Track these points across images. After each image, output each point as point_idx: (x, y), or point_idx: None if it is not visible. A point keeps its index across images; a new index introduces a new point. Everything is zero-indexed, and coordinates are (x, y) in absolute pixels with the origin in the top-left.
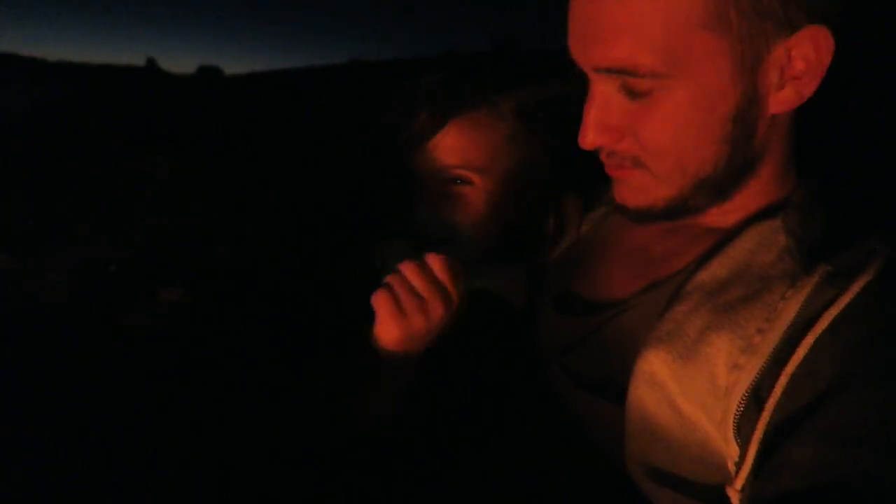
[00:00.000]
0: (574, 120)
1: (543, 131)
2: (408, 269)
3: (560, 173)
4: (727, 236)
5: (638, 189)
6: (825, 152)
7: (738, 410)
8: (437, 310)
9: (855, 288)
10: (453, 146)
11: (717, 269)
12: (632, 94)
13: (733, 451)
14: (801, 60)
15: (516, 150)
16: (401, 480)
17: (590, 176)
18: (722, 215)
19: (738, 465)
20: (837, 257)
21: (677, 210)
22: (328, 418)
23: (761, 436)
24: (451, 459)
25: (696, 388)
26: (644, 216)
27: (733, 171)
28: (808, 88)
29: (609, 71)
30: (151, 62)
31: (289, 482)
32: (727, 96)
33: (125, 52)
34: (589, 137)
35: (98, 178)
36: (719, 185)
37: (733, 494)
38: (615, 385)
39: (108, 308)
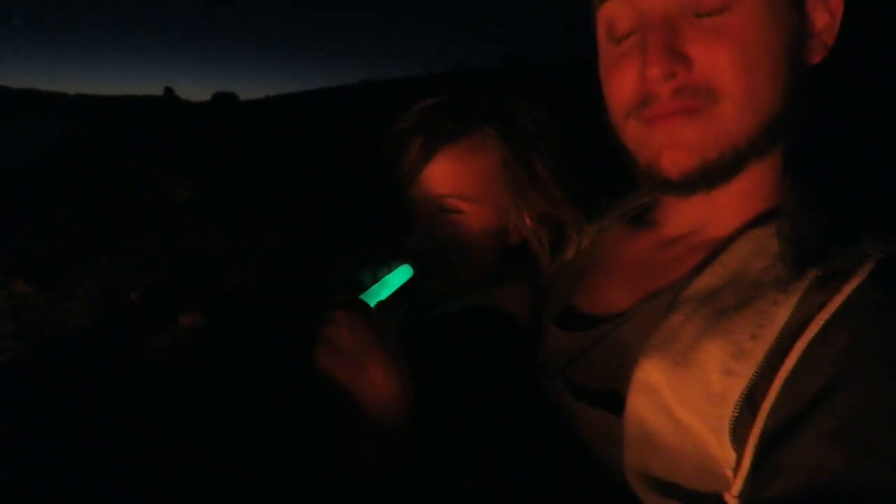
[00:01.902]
0: (570, 137)
1: (539, 153)
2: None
3: (557, 191)
4: (722, 244)
5: (705, 135)
6: (817, 159)
7: (733, 416)
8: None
9: (846, 291)
10: (443, 176)
11: (711, 277)
12: (705, 5)
13: (730, 456)
14: (819, 16)
15: (508, 177)
16: (404, 484)
17: (588, 191)
18: (718, 224)
19: (735, 470)
20: (829, 261)
21: (729, 168)
22: (331, 419)
23: (757, 440)
24: (454, 469)
25: (691, 395)
26: (691, 182)
27: (789, 114)
28: (830, 38)
29: None
30: (169, 91)
31: (291, 483)
32: (789, 22)
33: (143, 83)
34: (656, 66)
35: (118, 206)
36: (772, 135)
37: (731, 500)
38: (614, 396)
39: (129, 334)
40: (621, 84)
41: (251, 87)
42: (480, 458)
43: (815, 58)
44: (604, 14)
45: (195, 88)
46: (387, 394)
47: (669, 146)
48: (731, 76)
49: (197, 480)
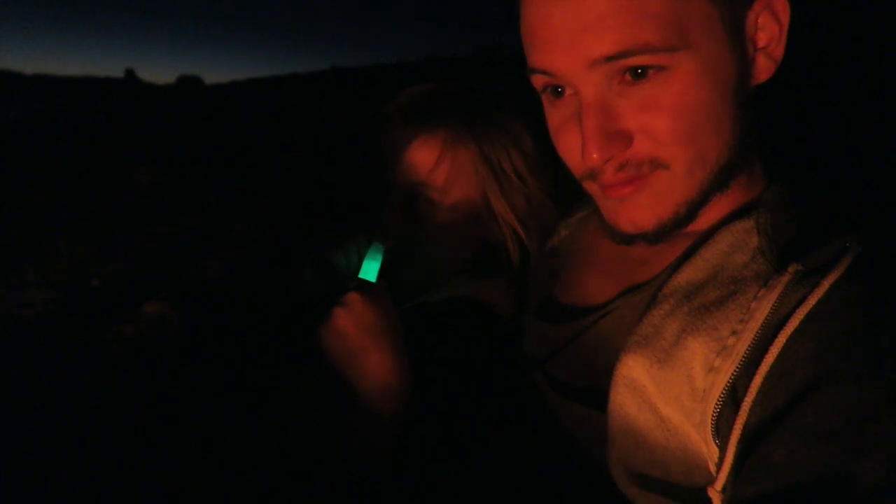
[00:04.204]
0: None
1: (518, 151)
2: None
3: (535, 189)
4: (702, 239)
5: (656, 198)
6: (794, 152)
7: (715, 412)
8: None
9: (825, 285)
10: (418, 162)
11: (692, 271)
12: (637, 74)
13: (713, 452)
14: (764, 28)
15: (485, 174)
16: (399, 482)
17: (567, 184)
18: (698, 218)
19: (718, 466)
20: (808, 256)
21: (686, 218)
22: (325, 418)
23: (739, 436)
24: (438, 466)
25: (674, 392)
26: (649, 236)
27: (740, 154)
28: (778, 51)
29: (610, 58)
30: (130, 73)
31: (286, 483)
32: (729, 66)
33: (104, 64)
34: (595, 153)
35: (79, 191)
36: (727, 176)
37: (714, 496)
38: (596, 391)
39: (91, 322)
40: (569, 151)
41: (217, 71)
42: (466, 463)
43: (764, 76)
44: (535, 78)
45: (158, 71)
46: (383, 383)
47: (624, 209)
48: (672, 146)
49: (176, 478)
